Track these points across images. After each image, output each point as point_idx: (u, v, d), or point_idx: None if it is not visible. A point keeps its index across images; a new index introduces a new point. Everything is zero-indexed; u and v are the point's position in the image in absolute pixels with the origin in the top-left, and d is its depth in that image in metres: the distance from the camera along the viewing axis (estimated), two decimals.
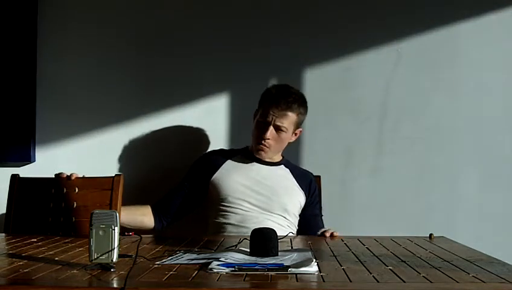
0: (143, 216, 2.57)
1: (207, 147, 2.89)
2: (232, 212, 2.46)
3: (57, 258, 1.67)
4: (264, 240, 1.67)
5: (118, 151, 2.95)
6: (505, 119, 2.88)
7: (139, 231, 2.32)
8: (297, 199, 2.53)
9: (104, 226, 1.49)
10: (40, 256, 1.71)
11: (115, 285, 1.35)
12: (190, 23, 2.94)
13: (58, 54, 2.97)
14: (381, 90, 2.90)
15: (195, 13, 2.95)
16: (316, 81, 2.90)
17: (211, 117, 2.92)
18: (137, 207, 2.59)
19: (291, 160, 2.70)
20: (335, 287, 1.37)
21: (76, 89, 2.97)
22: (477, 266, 1.56)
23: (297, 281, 1.38)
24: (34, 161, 2.95)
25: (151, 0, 2.98)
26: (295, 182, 2.56)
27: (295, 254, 1.65)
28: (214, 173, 2.54)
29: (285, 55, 2.89)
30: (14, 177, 2.69)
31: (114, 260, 1.48)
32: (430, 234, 2.14)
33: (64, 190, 2.62)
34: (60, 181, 2.57)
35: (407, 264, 1.58)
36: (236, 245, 1.86)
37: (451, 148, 2.88)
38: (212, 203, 2.54)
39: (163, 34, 2.95)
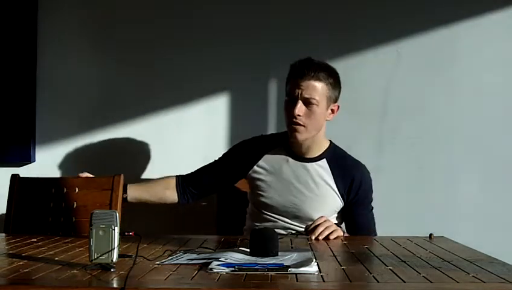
0: (165, 190, 2.48)
1: (207, 147, 2.89)
2: (262, 218, 2.38)
3: (57, 258, 1.67)
4: (264, 240, 1.67)
5: (118, 151, 2.95)
6: (505, 119, 2.88)
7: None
8: (331, 205, 2.36)
9: (104, 226, 1.49)
10: (40, 256, 1.71)
11: (115, 285, 1.35)
12: (190, 23, 2.94)
13: (58, 54, 2.97)
14: (381, 90, 2.90)
15: (195, 13, 2.95)
16: None
17: (211, 117, 2.92)
18: (158, 181, 2.49)
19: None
20: (335, 287, 1.37)
21: (76, 89, 2.97)
22: (477, 266, 1.56)
23: (297, 281, 1.38)
24: (34, 161, 2.95)
25: (151, 1, 2.98)
26: (333, 182, 2.35)
27: (295, 254, 1.65)
28: (250, 169, 2.40)
29: (285, 55, 2.89)
30: (14, 177, 2.69)
31: (114, 260, 1.48)
32: (430, 234, 2.14)
33: (64, 190, 2.62)
34: (61, 183, 2.58)
35: (407, 264, 1.58)
36: (236, 245, 1.86)
37: (451, 148, 2.88)
38: (249, 198, 2.46)
39: (163, 34, 2.95)
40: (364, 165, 2.44)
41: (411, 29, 2.88)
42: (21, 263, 1.59)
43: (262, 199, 2.38)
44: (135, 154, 2.95)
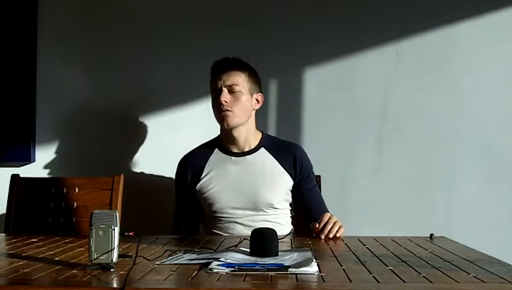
0: None
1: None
2: (222, 220, 2.40)
3: (57, 258, 1.67)
4: (264, 240, 1.67)
5: (118, 151, 2.96)
6: (505, 119, 2.88)
7: None
8: (283, 185, 2.41)
9: (104, 226, 1.49)
10: (40, 256, 1.71)
11: (115, 285, 1.35)
12: (190, 23, 2.94)
13: (58, 54, 2.97)
14: (381, 90, 2.90)
15: (196, 13, 2.95)
16: (316, 81, 2.90)
17: (211, 117, 2.91)
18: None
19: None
20: (335, 288, 1.37)
21: (76, 89, 2.97)
22: (478, 266, 1.56)
23: (297, 281, 1.38)
24: (34, 161, 2.95)
25: (151, 1, 2.98)
26: (278, 165, 2.43)
27: (295, 254, 1.65)
28: (198, 182, 2.44)
29: (285, 55, 2.89)
30: (14, 177, 2.70)
31: (114, 260, 1.48)
32: (431, 234, 2.14)
33: (64, 190, 2.63)
34: (61, 183, 2.58)
35: (408, 265, 1.58)
36: (236, 245, 1.86)
37: (451, 148, 2.88)
38: (203, 211, 2.47)
39: (163, 34, 2.95)
40: (297, 144, 2.56)
41: (411, 29, 2.88)
42: (21, 263, 1.59)
43: (217, 205, 2.40)
44: (135, 154, 2.95)
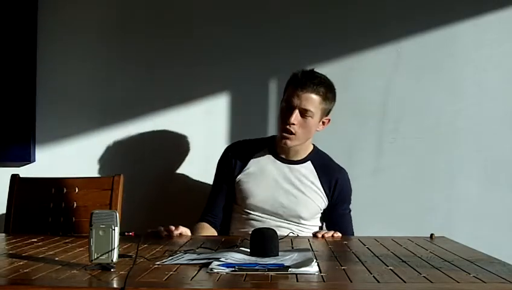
0: (210, 235, 2.43)
1: (207, 147, 2.89)
2: (250, 219, 2.41)
3: (57, 258, 1.67)
4: (264, 240, 1.67)
5: (118, 151, 2.95)
6: (505, 119, 2.88)
7: None
8: (316, 204, 2.44)
9: (104, 226, 1.49)
10: (40, 256, 1.71)
11: (115, 285, 1.35)
12: (190, 23, 2.94)
13: (58, 54, 2.97)
14: (381, 90, 2.90)
15: (195, 13, 2.95)
16: None
17: (211, 117, 2.92)
18: (199, 232, 2.42)
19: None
20: (335, 288, 1.37)
21: (76, 89, 2.97)
22: (478, 266, 1.56)
23: (297, 281, 1.38)
24: (34, 161, 2.95)
25: (151, 1, 2.98)
26: (318, 183, 2.44)
27: (295, 254, 1.65)
28: (238, 174, 2.46)
29: (285, 55, 2.89)
30: (14, 177, 2.70)
31: (114, 260, 1.48)
32: (431, 234, 2.14)
33: (64, 190, 2.63)
34: (61, 183, 2.58)
35: (408, 265, 1.58)
36: (236, 245, 1.86)
37: (451, 148, 2.88)
38: (236, 204, 2.48)
39: (163, 34, 2.95)
40: (343, 168, 2.55)
41: (411, 29, 2.88)
42: (21, 263, 1.59)
43: (250, 201, 2.41)
44: (135, 155, 2.95)
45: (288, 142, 2.38)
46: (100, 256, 1.47)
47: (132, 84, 2.96)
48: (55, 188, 2.64)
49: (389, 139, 2.88)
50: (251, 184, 2.43)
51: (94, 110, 2.96)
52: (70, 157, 2.95)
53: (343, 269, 1.53)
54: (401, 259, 1.66)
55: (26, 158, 2.94)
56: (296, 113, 2.34)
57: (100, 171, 2.80)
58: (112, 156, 2.94)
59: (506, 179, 2.86)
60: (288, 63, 2.89)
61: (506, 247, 2.62)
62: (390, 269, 1.52)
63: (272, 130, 2.85)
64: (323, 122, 2.46)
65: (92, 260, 1.48)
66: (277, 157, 2.47)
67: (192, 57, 2.93)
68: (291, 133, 2.36)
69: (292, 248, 1.92)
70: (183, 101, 2.94)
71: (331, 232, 2.23)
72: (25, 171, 2.86)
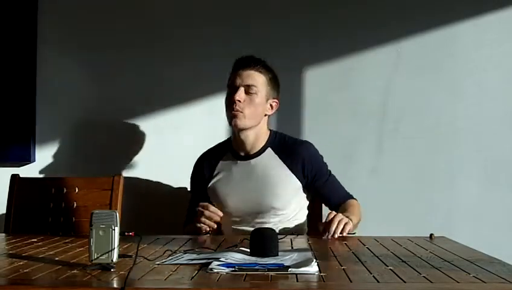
0: None
1: (207, 147, 2.88)
2: (233, 222, 2.39)
3: (57, 258, 1.67)
4: (264, 240, 1.67)
5: (118, 151, 2.95)
6: (505, 119, 2.88)
7: None
8: (289, 188, 2.38)
9: (104, 226, 1.49)
10: (40, 256, 1.71)
11: (115, 285, 1.35)
12: (190, 23, 2.94)
13: (58, 54, 2.97)
14: (381, 90, 2.90)
15: (196, 13, 2.95)
16: (316, 81, 2.90)
17: (211, 117, 2.92)
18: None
19: None
20: (335, 288, 1.37)
21: (76, 89, 2.97)
22: (478, 266, 1.55)
23: (297, 281, 1.37)
24: (34, 161, 2.95)
25: (151, 1, 2.98)
26: (284, 167, 2.38)
27: (295, 254, 1.65)
28: (209, 183, 2.44)
29: (285, 55, 2.89)
30: (14, 177, 2.70)
31: (114, 260, 1.48)
32: (431, 234, 2.14)
33: (64, 190, 2.63)
34: (61, 183, 2.58)
35: (408, 265, 1.58)
36: (236, 245, 1.86)
37: (451, 148, 2.88)
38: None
39: (163, 34, 2.95)
40: (306, 141, 2.48)
41: (411, 29, 2.88)
42: (21, 263, 1.59)
43: (226, 207, 2.38)
44: (135, 155, 2.95)
45: (237, 121, 2.32)
46: (100, 256, 1.47)
47: (132, 84, 2.96)
48: (55, 188, 2.65)
49: (389, 139, 2.88)
50: (222, 190, 2.41)
51: (94, 110, 2.96)
52: (70, 157, 2.95)
53: (343, 269, 1.53)
54: (401, 259, 1.66)
55: (26, 158, 2.94)
56: (241, 90, 2.32)
57: (100, 171, 2.80)
58: (111, 156, 2.94)
59: (506, 179, 2.86)
60: (288, 63, 2.89)
61: (506, 247, 2.62)
62: (390, 269, 1.52)
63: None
64: (271, 106, 2.41)
65: (92, 260, 1.48)
66: (238, 157, 2.43)
67: (192, 56, 2.93)
68: (239, 111, 2.31)
69: (292, 247, 1.92)
70: (183, 101, 2.94)
71: (334, 224, 2.13)
72: (25, 171, 2.87)
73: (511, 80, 2.88)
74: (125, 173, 2.76)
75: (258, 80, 2.35)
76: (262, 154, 2.41)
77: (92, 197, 2.61)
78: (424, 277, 1.42)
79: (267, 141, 2.43)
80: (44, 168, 2.93)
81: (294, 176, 2.39)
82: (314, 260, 1.57)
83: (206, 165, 2.49)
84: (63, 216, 2.60)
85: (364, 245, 1.94)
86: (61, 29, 2.98)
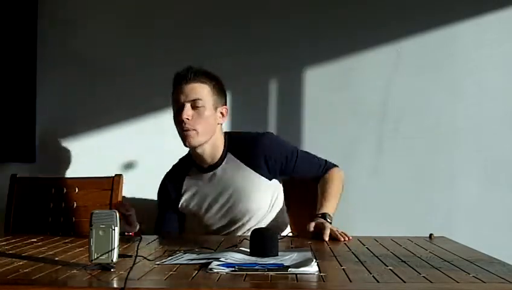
0: None
1: None
2: (210, 230, 2.36)
3: (57, 258, 1.67)
4: (264, 240, 1.67)
5: (118, 151, 2.95)
6: (505, 119, 2.88)
7: None
8: (258, 188, 2.30)
9: (104, 226, 1.49)
10: (40, 256, 1.71)
11: (115, 285, 1.35)
12: (190, 23, 2.94)
13: (58, 54, 2.97)
14: (381, 90, 2.90)
15: (196, 13, 2.95)
16: (316, 81, 2.90)
17: None
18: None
19: None
20: (335, 288, 1.37)
21: (76, 89, 2.97)
22: (478, 266, 1.55)
23: (297, 281, 1.38)
24: (34, 161, 2.95)
25: (151, 1, 2.98)
26: (247, 169, 2.30)
27: (295, 254, 1.65)
28: (179, 201, 2.37)
29: (285, 55, 2.89)
30: (14, 177, 2.70)
31: (114, 260, 1.48)
32: (430, 234, 2.14)
33: (64, 190, 2.63)
34: (61, 183, 2.58)
35: (408, 265, 1.58)
36: (236, 245, 1.86)
37: (451, 148, 2.88)
38: (187, 227, 2.43)
39: (163, 34, 2.95)
40: (262, 134, 2.37)
41: (411, 29, 2.88)
42: (21, 263, 1.59)
43: (201, 223, 2.34)
44: (135, 155, 2.95)
45: (191, 140, 2.23)
46: (100, 256, 1.47)
47: (132, 84, 2.96)
48: (55, 188, 2.65)
49: (389, 139, 2.88)
50: (194, 206, 2.35)
51: (94, 110, 2.96)
52: (70, 157, 2.95)
53: (343, 269, 1.53)
54: (400, 259, 1.66)
55: (26, 158, 2.94)
56: (187, 107, 2.21)
57: (100, 171, 2.80)
58: (111, 156, 2.94)
59: (506, 179, 2.86)
60: (288, 63, 2.89)
61: (506, 247, 2.61)
62: (389, 269, 1.52)
63: (272, 130, 2.85)
64: (222, 114, 2.31)
65: (92, 260, 1.48)
66: (201, 169, 2.35)
67: (192, 56, 2.93)
68: (190, 130, 2.22)
69: (292, 247, 1.92)
70: None
71: (326, 230, 2.10)
72: (25, 171, 2.86)
73: (511, 80, 2.88)
74: (125, 173, 2.76)
75: (202, 92, 2.24)
76: (223, 163, 2.32)
77: (92, 197, 2.61)
78: (423, 277, 1.42)
79: (224, 147, 2.34)
80: (44, 168, 2.93)
81: (260, 175, 2.31)
82: (314, 260, 1.57)
83: (171, 187, 2.41)
84: (63, 216, 2.60)
85: (364, 245, 1.94)
86: (61, 29, 2.98)
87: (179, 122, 2.23)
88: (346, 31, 2.90)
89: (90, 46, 2.97)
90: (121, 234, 1.53)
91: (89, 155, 2.94)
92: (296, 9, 2.92)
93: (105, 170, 2.78)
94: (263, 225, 2.31)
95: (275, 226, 2.30)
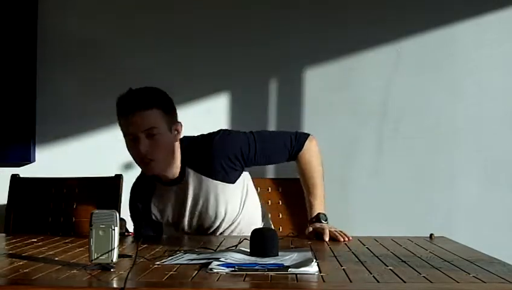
0: None
1: None
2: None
3: (57, 258, 1.67)
4: (264, 240, 1.67)
5: (118, 151, 2.95)
6: (505, 119, 2.88)
7: None
8: (224, 194, 2.19)
9: (104, 226, 1.49)
10: (40, 256, 1.71)
11: (115, 285, 1.35)
12: (190, 23, 2.94)
13: (58, 55, 2.97)
14: (381, 90, 2.90)
15: (196, 13, 2.95)
16: (316, 81, 2.90)
17: (211, 117, 2.91)
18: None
19: None
20: (335, 288, 1.37)
21: (76, 89, 2.97)
22: (478, 266, 1.55)
23: (297, 281, 1.37)
24: (34, 161, 2.95)
25: (150, 1, 2.98)
26: (210, 180, 2.17)
27: (295, 254, 1.65)
28: (151, 217, 2.26)
29: (285, 55, 2.89)
30: (14, 177, 2.69)
31: (114, 260, 1.48)
32: (431, 234, 2.14)
33: (64, 190, 2.62)
34: (61, 183, 2.57)
35: (408, 265, 1.58)
36: (236, 245, 1.86)
37: (451, 148, 2.88)
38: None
39: (163, 34, 2.95)
40: (212, 135, 2.22)
41: (411, 29, 2.88)
42: (21, 263, 1.59)
43: (179, 231, 2.28)
44: None
45: (153, 170, 2.11)
46: (100, 256, 1.47)
47: (132, 84, 2.95)
48: (55, 188, 2.64)
49: (389, 139, 2.88)
50: (165, 218, 2.27)
51: (94, 110, 2.96)
52: (70, 157, 2.95)
53: (343, 269, 1.52)
54: (400, 259, 1.66)
55: (26, 158, 2.94)
56: (142, 139, 2.05)
57: (100, 171, 2.80)
58: (111, 156, 2.94)
59: (506, 179, 2.86)
60: (288, 63, 2.89)
61: (506, 247, 2.61)
62: (390, 269, 1.52)
63: (271, 129, 2.85)
64: (177, 130, 2.17)
65: (92, 260, 1.48)
66: (165, 183, 2.21)
67: (192, 57, 2.93)
68: (149, 162, 2.07)
69: (292, 247, 1.92)
70: (183, 101, 2.93)
71: (326, 231, 2.09)
72: (25, 171, 2.86)
73: (511, 80, 2.88)
74: (125, 173, 2.76)
75: (153, 118, 2.07)
76: (184, 178, 2.19)
77: (92, 197, 2.61)
78: (424, 277, 1.42)
79: (182, 162, 2.19)
80: (44, 168, 2.92)
81: (222, 182, 2.20)
82: (314, 260, 1.57)
83: (141, 206, 2.29)
84: (63, 216, 2.60)
85: (364, 245, 1.93)
86: (61, 29, 2.98)
87: (135, 155, 2.09)
88: (346, 31, 2.90)
89: (90, 47, 2.97)
90: (121, 234, 1.53)
91: (89, 155, 2.94)
92: (296, 9, 2.92)
93: (105, 170, 2.78)
94: (238, 223, 2.26)
95: (251, 220, 2.25)
